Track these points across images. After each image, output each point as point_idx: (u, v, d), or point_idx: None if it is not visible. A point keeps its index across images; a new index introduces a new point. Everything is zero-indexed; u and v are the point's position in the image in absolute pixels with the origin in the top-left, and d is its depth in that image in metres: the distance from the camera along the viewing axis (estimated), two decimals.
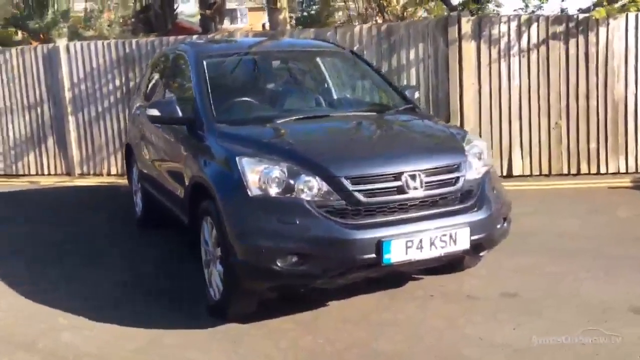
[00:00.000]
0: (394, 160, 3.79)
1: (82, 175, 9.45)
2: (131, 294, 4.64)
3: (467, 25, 7.69)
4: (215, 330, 3.88)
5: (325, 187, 3.61)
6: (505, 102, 7.81)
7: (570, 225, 5.84)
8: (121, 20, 11.70)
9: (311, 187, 3.61)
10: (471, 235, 3.75)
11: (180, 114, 4.46)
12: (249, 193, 3.65)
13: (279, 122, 4.35)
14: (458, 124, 7.76)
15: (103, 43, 9.26)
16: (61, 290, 4.73)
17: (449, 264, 4.41)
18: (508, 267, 4.77)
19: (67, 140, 9.41)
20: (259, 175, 3.66)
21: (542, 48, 7.67)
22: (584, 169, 7.80)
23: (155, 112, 4.52)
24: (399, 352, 3.55)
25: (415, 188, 3.70)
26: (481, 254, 4.27)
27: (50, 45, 9.45)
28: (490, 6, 12.46)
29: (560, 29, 7.63)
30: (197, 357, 3.59)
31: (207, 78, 4.66)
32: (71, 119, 9.31)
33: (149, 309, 4.30)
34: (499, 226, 4.06)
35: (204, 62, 4.84)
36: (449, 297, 4.27)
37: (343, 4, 16.64)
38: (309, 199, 3.60)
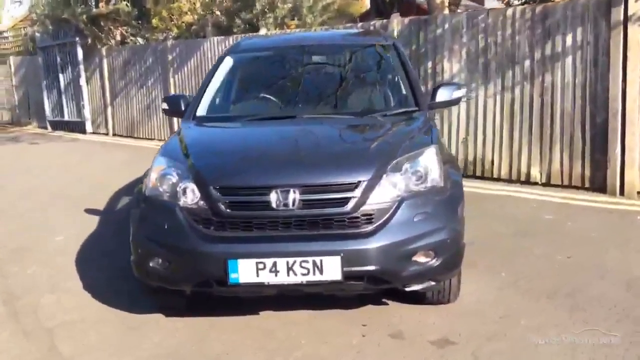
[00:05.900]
0: (267, 173, 3.49)
1: None
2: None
3: (636, 5, 6.14)
4: (132, 317, 4.08)
5: (199, 195, 3.52)
6: None
7: None
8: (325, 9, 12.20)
9: (190, 193, 3.56)
10: (344, 266, 3.25)
11: (183, 108, 4.72)
12: (146, 192, 3.76)
13: (233, 122, 4.29)
14: (618, 128, 6.32)
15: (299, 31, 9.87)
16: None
17: (407, 294, 3.83)
18: (504, 311, 3.93)
19: None
20: (157, 176, 3.74)
21: None
22: None
23: (164, 105, 4.87)
24: None
25: (286, 205, 3.36)
26: (411, 288, 3.58)
27: (253, 34, 10.43)
28: None
29: None
30: (91, 336, 3.88)
31: (217, 74, 4.83)
32: None
33: (128, 287, 4.55)
34: (420, 259, 3.41)
35: (229, 58, 5.00)
36: (374, 329, 3.74)
37: None
38: (183, 205, 3.54)
